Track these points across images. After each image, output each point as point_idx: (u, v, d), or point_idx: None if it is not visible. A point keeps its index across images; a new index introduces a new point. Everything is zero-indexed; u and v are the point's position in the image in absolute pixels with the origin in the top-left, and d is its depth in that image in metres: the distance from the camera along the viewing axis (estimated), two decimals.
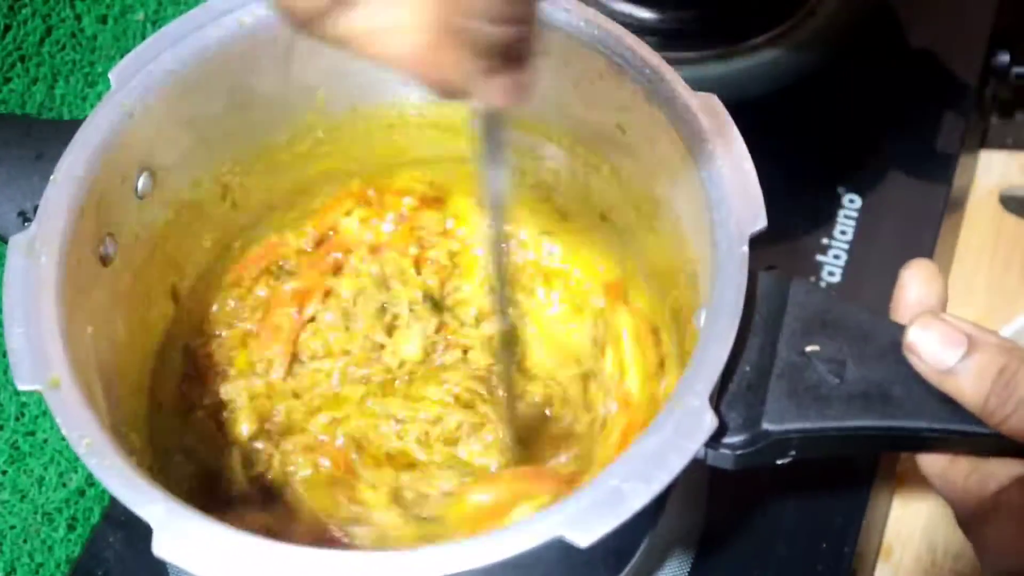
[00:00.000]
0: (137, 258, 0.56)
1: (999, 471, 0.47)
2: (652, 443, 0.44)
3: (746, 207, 0.49)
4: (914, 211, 0.76)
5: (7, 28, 0.78)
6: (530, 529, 0.42)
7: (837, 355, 0.48)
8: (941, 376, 0.45)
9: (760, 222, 0.48)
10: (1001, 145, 0.84)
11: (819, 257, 0.75)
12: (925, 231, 0.75)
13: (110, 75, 0.53)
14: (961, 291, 0.79)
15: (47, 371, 0.46)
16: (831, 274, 0.74)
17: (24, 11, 0.79)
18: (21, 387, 0.46)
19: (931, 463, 0.49)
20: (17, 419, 0.71)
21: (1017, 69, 0.79)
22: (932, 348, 0.45)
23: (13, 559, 0.67)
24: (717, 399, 0.48)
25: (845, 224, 0.76)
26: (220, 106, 0.57)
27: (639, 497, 0.42)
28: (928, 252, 0.74)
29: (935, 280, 0.49)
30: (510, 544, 0.41)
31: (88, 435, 0.44)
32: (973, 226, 0.82)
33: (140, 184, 0.55)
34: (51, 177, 0.50)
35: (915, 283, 0.49)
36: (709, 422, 0.44)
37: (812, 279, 0.74)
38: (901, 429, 0.46)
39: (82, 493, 0.68)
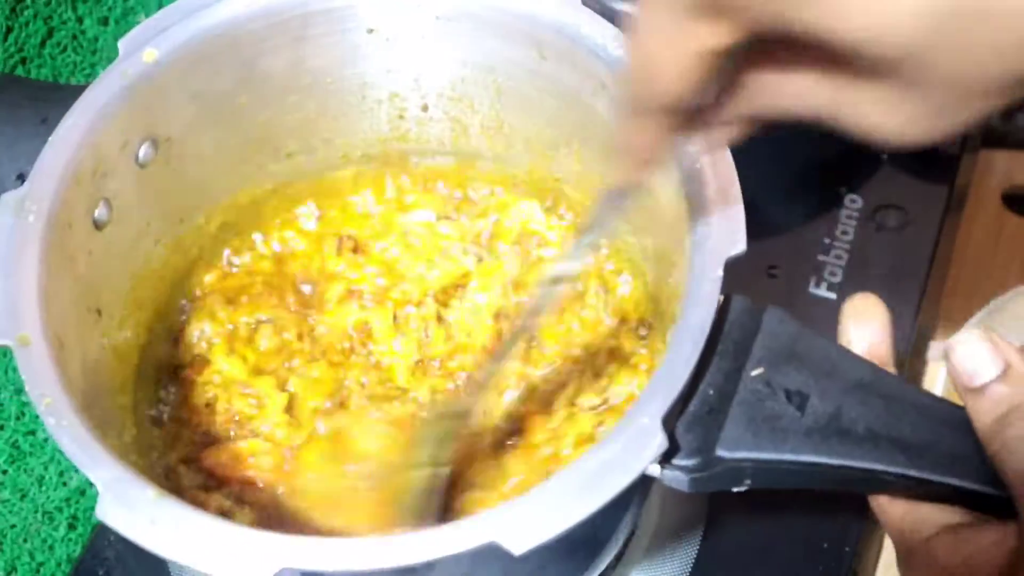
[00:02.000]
0: (133, 227, 0.56)
1: (932, 517, 0.46)
2: (599, 458, 0.43)
3: (727, 231, 0.48)
4: (916, 211, 0.75)
5: (9, 30, 0.79)
6: (465, 532, 0.42)
7: (802, 387, 0.47)
8: (966, 392, 0.45)
9: (739, 247, 0.48)
10: (1003, 144, 0.82)
11: (821, 257, 0.74)
12: (927, 231, 0.74)
13: (119, 43, 0.54)
14: (962, 290, 0.78)
15: (18, 328, 0.47)
16: (832, 274, 0.73)
17: (26, 13, 0.80)
18: None
19: (876, 501, 0.49)
20: (18, 418, 0.72)
21: None
22: (966, 363, 0.45)
23: (14, 558, 0.68)
24: (677, 419, 0.47)
25: (847, 224, 0.75)
26: (228, 83, 0.58)
27: (577, 512, 0.42)
28: (930, 251, 0.74)
29: (872, 316, 0.49)
30: (442, 545, 0.42)
31: (50, 395, 0.45)
32: (975, 225, 0.81)
33: (142, 153, 0.55)
34: (49, 139, 0.51)
35: (851, 324, 0.49)
36: (658, 443, 0.43)
37: (814, 279, 0.73)
38: (855, 469, 0.45)
39: (83, 492, 0.70)
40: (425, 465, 0.54)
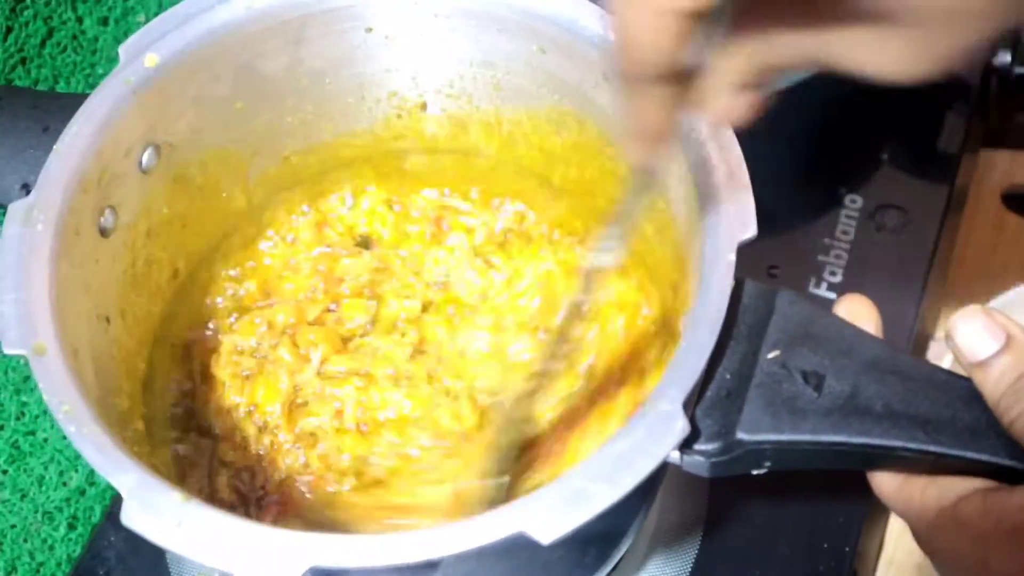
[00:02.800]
0: (138, 233, 0.56)
1: (956, 484, 0.47)
2: (622, 445, 0.43)
3: (737, 215, 0.49)
4: (916, 211, 0.76)
5: (9, 30, 0.79)
6: (493, 524, 0.42)
7: (818, 368, 0.47)
8: (972, 368, 0.46)
9: (750, 231, 0.48)
10: (1003, 144, 0.83)
11: (821, 257, 0.75)
12: (927, 231, 0.75)
13: (119, 50, 0.54)
14: (962, 290, 0.79)
15: (33, 337, 0.46)
16: (832, 274, 0.74)
17: (26, 13, 0.80)
18: (8, 351, 0.46)
19: (886, 482, 0.49)
20: (17, 419, 0.72)
21: (1018, 69, 0.78)
22: (968, 339, 0.46)
23: (14, 558, 0.68)
24: (695, 405, 0.48)
25: (847, 224, 0.76)
26: (227, 87, 0.57)
27: (603, 498, 0.42)
28: (930, 251, 0.74)
29: (864, 317, 0.50)
30: (472, 537, 0.42)
31: (68, 402, 0.45)
32: (975, 225, 0.82)
33: (144, 159, 0.55)
34: (53, 147, 0.51)
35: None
36: (680, 428, 0.43)
37: (814, 279, 0.74)
38: (875, 447, 0.46)
39: (83, 492, 0.69)
40: (493, 474, 0.54)
